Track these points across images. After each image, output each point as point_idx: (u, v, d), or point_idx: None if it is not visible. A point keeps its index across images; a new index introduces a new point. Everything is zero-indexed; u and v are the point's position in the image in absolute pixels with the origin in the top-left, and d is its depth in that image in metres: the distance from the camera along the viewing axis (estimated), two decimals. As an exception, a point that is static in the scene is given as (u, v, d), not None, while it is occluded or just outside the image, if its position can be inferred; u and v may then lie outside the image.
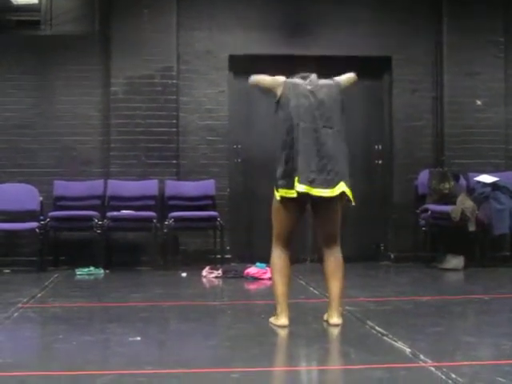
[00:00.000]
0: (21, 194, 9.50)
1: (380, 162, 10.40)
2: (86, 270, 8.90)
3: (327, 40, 10.07)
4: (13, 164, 9.75)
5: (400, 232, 10.03)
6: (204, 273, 8.62)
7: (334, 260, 5.33)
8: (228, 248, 9.73)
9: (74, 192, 9.66)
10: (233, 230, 9.85)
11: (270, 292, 7.74)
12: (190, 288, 7.93)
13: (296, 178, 5.10)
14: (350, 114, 10.24)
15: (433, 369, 4.04)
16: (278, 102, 5.32)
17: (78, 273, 8.83)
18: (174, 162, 9.82)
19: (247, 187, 10.09)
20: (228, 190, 9.92)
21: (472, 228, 9.19)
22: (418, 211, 9.72)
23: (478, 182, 9.57)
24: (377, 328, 5.15)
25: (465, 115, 10.09)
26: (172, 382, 3.88)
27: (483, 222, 9.27)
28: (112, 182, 9.69)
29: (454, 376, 3.83)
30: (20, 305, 6.32)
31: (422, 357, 4.30)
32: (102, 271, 8.95)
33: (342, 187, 5.17)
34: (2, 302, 6.53)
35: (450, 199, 9.45)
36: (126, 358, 4.45)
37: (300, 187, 5.09)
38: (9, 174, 9.72)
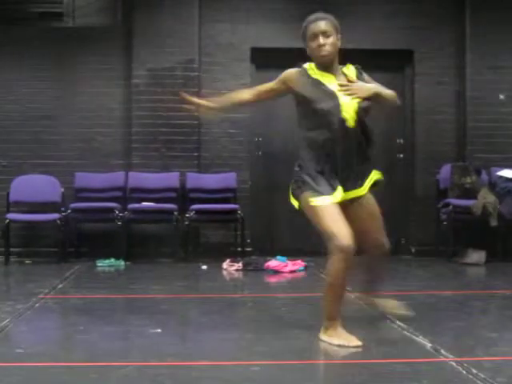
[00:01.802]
0: (42, 186, 9.55)
1: (402, 155, 10.36)
2: (107, 261, 8.93)
3: (350, 33, 9.87)
4: (35, 155, 9.80)
5: (421, 226, 10.00)
6: (224, 265, 8.62)
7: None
8: (249, 241, 9.72)
9: (95, 184, 9.70)
10: (254, 222, 9.85)
11: (290, 285, 7.79)
12: (210, 280, 7.94)
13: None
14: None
15: (454, 364, 4.02)
16: None
17: (98, 264, 8.86)
18: (196, 154, 9.83)
19: (268, 180, 10.07)
20: (249, 182, 9.92)
21: (494, 223, 9.15)
22: (439, 205, 9.69)
23: (500, 176, 9.51)
24: (398, 322, 5.13)
25: (488, 109, 10.00)
26: (193, 374, 3.88)
27: (505, 216, 9.22)
28: (133, 174, 9.72)
29: (475, 371, 3.81)
30: (41, 296, 6.36)
31: (443, 352, 4.29)
32: (122, 263, 8.98)
33: None
34: (23, 293, 6.58)
35: (471, 194, 9.40)
36: (146, 349, 4.46)
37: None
38: (31, 165, 9.77)
